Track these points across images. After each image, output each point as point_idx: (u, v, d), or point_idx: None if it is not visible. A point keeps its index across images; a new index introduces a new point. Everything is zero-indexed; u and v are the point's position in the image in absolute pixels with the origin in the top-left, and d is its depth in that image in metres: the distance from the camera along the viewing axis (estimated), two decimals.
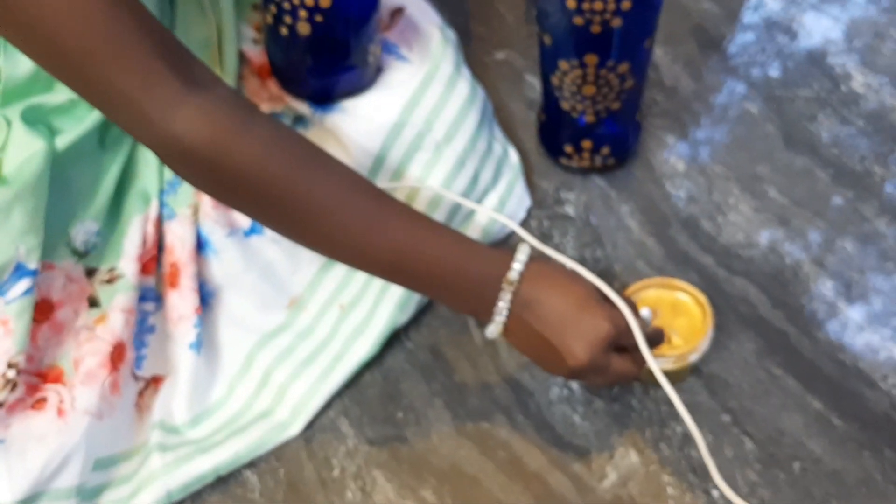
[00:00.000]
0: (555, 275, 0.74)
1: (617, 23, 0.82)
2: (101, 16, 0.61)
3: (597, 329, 0.72)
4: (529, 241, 0.77)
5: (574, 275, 0.75)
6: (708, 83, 1.03)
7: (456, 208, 0.90)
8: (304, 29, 0.82)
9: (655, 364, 0.74)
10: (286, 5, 0.81)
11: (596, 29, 0.82)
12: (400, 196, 0.87)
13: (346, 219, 0.69)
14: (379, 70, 0.89)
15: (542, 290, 0.72)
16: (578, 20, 0.82)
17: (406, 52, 0.90)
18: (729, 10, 1.09)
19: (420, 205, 0.88)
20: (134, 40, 0.62)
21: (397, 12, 0.93)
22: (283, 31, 0.83)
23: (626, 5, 0.81)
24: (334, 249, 0.72)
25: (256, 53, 0.89)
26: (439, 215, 0.88)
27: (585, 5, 0.81)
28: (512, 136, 0.99)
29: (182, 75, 0.64)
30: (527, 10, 1.10)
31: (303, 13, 0.81)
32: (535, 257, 0.75)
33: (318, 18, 0.82)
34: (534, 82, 1.04)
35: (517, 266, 0.72)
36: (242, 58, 0.89)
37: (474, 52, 1.05)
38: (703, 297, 0.84)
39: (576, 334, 0.72)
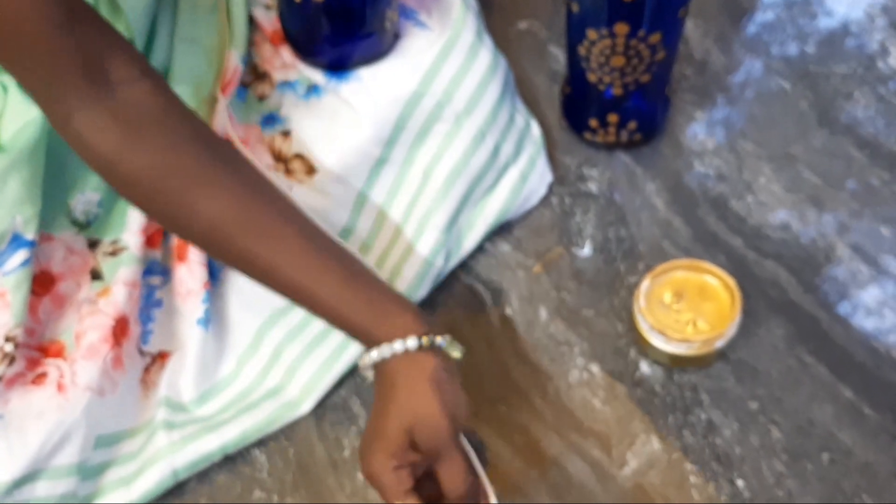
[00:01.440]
0: (403, 397, 0.67)
1: None
2: (14, 9, 0.60)
3: (370, 475, 0.68)
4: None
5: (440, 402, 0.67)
6: (740, 58, 1.00)
7: (476, 182, 0.87)
8: None
9: None
10: None
11: None
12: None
13: (232, 236, 0.68)
14: (396, 37, 0.86)
15: (388, 392, 0.68)
16: None
17: (425, 18, 0.87)
18: None
19: (439, 177, 0.85)
20: (42, 36, 0.61)
21: None
22: None
23: None
24: (222, 259, 0.72)
25: (269, 20, 0.87)
26: (458, 189, 0.85)
27: None
28: (534, 109, 0.96)
29: (90, 75, 0.63)
30: None
31: None
32: (422, 351, 0.68)
33: None
34: (558, 54, 1.01)
35: (373, 356, 0.69)
36: (254, 24, 0.86)
37: (495, 22, 1.02)
38: (731, 282, 0.81)
39: (365, 455, 0.68)
